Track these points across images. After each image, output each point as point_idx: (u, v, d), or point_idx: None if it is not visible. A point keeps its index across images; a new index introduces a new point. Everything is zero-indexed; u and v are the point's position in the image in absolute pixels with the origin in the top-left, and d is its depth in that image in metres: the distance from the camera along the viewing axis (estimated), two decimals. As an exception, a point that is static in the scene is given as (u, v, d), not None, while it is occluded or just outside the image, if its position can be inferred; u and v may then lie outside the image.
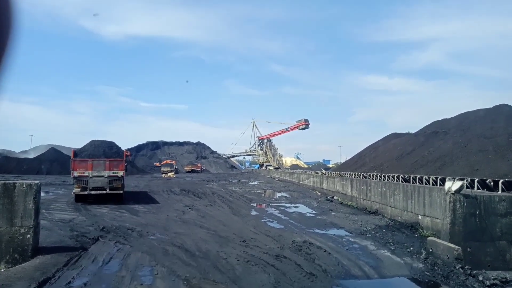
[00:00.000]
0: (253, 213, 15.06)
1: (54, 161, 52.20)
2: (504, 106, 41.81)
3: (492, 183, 19.01)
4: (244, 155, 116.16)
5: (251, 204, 18.30)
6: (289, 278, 6.56)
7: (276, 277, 6.53)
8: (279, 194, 25.13)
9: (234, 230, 10.70)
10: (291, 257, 7.81)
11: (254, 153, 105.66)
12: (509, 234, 8.07)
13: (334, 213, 14.85)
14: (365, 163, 55.21)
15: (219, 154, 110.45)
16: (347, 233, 10.86)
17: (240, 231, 10.51)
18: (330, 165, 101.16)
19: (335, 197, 20.78)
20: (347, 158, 75.42)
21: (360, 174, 37.04)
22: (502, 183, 18.08)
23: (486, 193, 9.96)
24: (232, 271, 6.80)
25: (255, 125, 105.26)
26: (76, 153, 16.39)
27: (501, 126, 36.52)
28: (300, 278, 6.58)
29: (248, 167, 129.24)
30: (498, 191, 17.40)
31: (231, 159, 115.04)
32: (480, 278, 6.81)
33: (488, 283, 6.67)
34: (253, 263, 7.32)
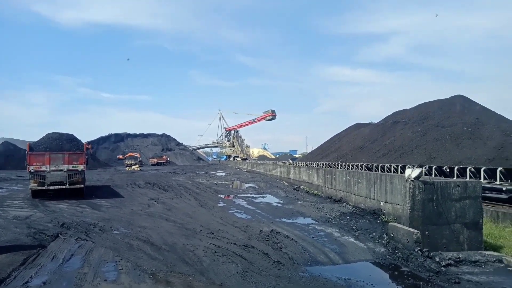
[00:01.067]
0: (221, 204, 15.00)
1: (8, 155, 49.28)
2: (459, 97, 44.36)
3: (448, 170, 20.17)
4: (211, 147, 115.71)
5: (219, 195, 18.22)
6: (257, 267, 6.60)
7: (244, 267, 6.55)
8: (246, 185, 25.19)
9: (201, 222, 10.61)
10: (258, 247, 7.86)
11: (221, 145, 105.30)
12: (462, 217, 8.55)
13: (300, 202, 15.10)
14: (330, 152, 56.70)
15: (185, 146, 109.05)
16: (313, 221, 11.08)
17: (207, 223, 10.43)
18: (297, 155, 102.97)
19: (301, 187, 21.12)
20: (313, 148, 77.15)
21: (325, 164, 38.02)
22: (457, 169, 19.24)
23: (443, 179, 10.48)
24: (200, 263, 6.74)
25: (222, 116, 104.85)
26: (32, 146, 15.58)
27: (456, 116, 38.77)
28: (268, 267, 6.64)
29: (215, 158, 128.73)
30: (454, 177, 18.48)
31: (198, 150, 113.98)
32: (437, 259, 7.20)
33: (443, 263, 7.07)
34: (221, 254, 7.29)
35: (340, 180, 15.70)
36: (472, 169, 18.06)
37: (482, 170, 17.23)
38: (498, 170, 16.18)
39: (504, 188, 14.91)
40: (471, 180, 14.63)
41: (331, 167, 30.00)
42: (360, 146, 48.68)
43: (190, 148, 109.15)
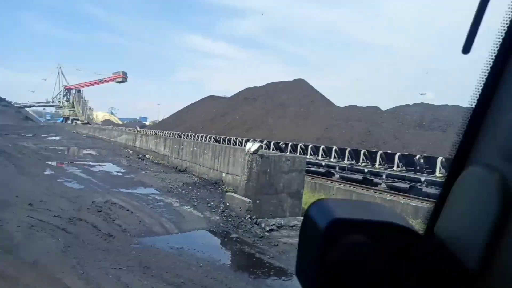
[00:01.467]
0: (48, 172, 13.10)
1: None
2: (300, 81, 50.06)
3: (284, 146, 22.65)
4: (44, 106, 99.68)
5: (47, 162, 15.88)
6: (82, 241, 6.01)
7: (67, 242, 5.86)
8: (85, 152, 22.84)
9: (19, 192, 8.97)
10: (87, 219, 7.16)
11: (58, 105, 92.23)
12: (288, 188, 9.70)
13: (144, 172, 14.54)
14: (182, 122, 56.50)
15: (9, 102, 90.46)
16: (154, 191, 10.82)
17: (27, 193, 8.92)
18: (147, 123, 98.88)
19: (147, 156, 20.38)
20: (166, 117, 75.33)
21: (175, 133, 37.63)
22: (291, 145, 21.78)
23: (277, 154, 11.66)
24: (8, 240, 5.71)
25: (62, 72, 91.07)
26: None
27: (296, 97, 43.76)
28: (95, 240, 6.12)
29: (49, 119, 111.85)
30: (288, 152, 20.90)
31: (27, 109, 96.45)
32: (263, 225, 8.00)
33: (268, 228, 7.92)
34: (39, 228, 6.34)
35: (187, 151, 15.76)
36: (302, 146, 20.79)
37: (309, 147, 20.00)
38: (321, 148, 19.07)
39: (323, 163, 17.72)
40: (299, 155, 16.79)
41: (180, 137, 29.92)
42: (212, 118, 50.05)
43: (15, 105, 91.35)
